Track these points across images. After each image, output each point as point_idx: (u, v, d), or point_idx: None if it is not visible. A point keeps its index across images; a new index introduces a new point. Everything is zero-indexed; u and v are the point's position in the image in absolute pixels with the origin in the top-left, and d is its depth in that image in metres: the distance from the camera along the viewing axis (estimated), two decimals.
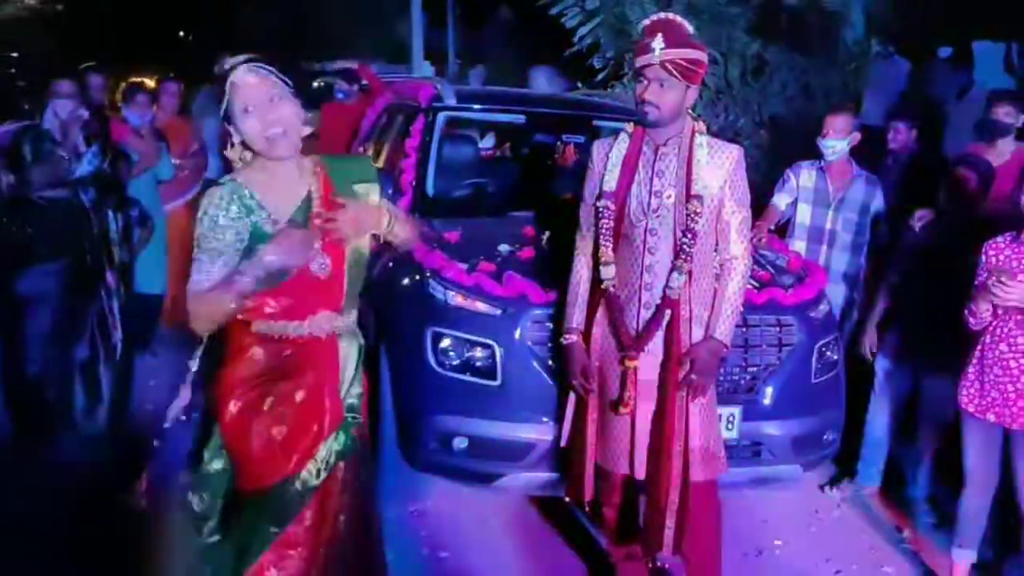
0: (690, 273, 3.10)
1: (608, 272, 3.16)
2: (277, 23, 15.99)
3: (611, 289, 3.17)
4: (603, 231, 3.16)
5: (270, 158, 2.49)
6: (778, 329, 3.85)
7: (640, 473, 3.18)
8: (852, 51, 7.78)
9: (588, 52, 8.53)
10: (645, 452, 3.16)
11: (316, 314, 2.57)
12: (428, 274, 3.85)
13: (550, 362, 3.63)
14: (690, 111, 3.16)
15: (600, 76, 8.51)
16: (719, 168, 3.11)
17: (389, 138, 5.54)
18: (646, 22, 3.09)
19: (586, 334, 3.26)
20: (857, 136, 4.89)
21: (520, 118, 5.49)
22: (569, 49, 8.60)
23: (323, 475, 2.60)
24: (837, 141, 4.83)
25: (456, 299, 3.74)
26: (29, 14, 20.81)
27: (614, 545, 3.53)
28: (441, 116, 5.02)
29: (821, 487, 4.58)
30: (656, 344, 3.14)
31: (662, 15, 3.09)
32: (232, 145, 2.52)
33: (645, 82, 3.04)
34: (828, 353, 4.01)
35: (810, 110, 7.40)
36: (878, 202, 4.94)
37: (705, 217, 3.09)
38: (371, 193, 2.68)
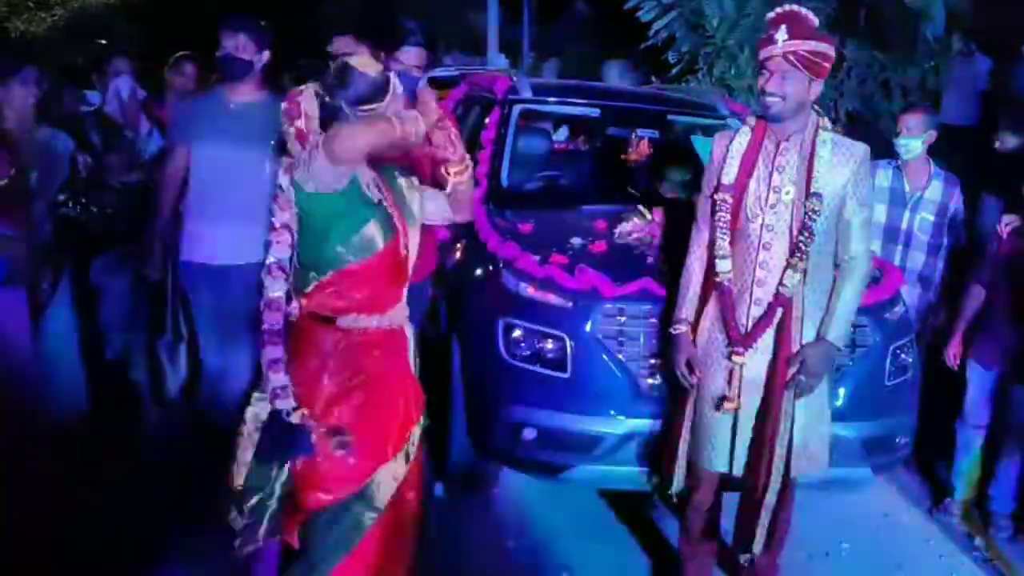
0: (804, 271, 3.07)
1: (724, 266, 3.14)
2: (356, 14, 16.15)
3: (725, 283, 3.16)
4: (720, 224, 3.14)
5: None
6: (852, 329, 3.79)
7: (740, 471, 3.18)
8: (932, 48, 7.61)
9: (663, 46, 8.50)
10: (746, 450, 3.16)
11: (393, 307, 2.69)
12: (501, 265, 3.89)
13: (620, 356, 3.65)
14: (815, 107, 3.13)
15: (675, 71, 8.48)
16: (843, 166, 3.08)
17: (464, 129, 5.59)
18: (771, 14, 3.07)
19: (694, 325, 3.27)
20: (933, 134, 4.79)
21: (595, 111, 5.50)
22: (644, 43, 8.58)
23: (411, 456, 2.75)
24: (911, 139, 4.74)
25: (528, 291, 3.76)
26: (117, 1, 21.31)
27: (687, 542, 3.50)
28: (516, 108, 5.04)
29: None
30: (765, 342, 3.12)
31: (787, 7, 3.05)
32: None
33: (767, 74, 3.02)
34: (903, 356, 3.94)
35: (888, 108, 7.28)
36: (956, 203, 4.83)
37: (824, 216, 3.05)
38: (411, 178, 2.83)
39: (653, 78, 8.79)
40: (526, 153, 5.02)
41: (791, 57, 2.96)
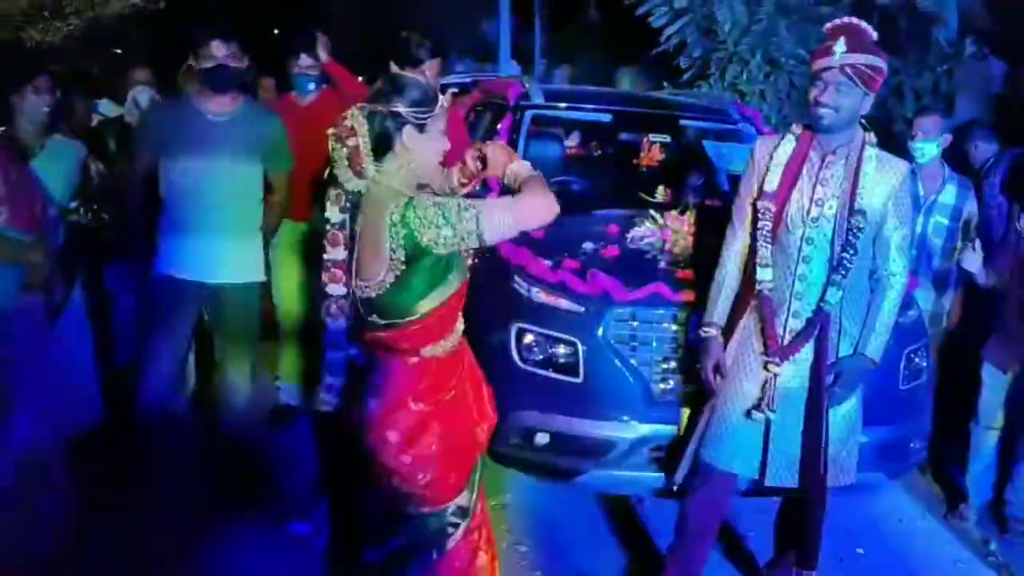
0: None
1: (766, 275, 3.13)
2: (367, 22, 16.24)
3: (765, 292, 3.14)
4: (762, 232, 3.13)
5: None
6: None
7: (773, 480, 3.17)
8: (945, 52, 7.60)
9: (675, 52, 8.53)
10: (783, 461, 3.15)
11: (454, 329, 2.69)
12: (513, 270, 3.89)
13: (632, 360, 3.65)
14: (863, 121, 3.13)
15: (686, 76, 8.49)
16: (885, 184, 3.07)
17: (477, 135, 5.61)
18: (829, 25, 3.06)
19: (727, 330, 3.26)
20: (948, 138, 4.79)
21: (606, 117, 5.51)
22: (655, 48, 8.60)
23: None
24: (926, 143, 4.74)
25: (540, 296, 3.77)
26: (131, 11, 21.42)
27: (679, 541, 3.43)
28: (528, 114, 5.06)
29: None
30: (802, 353, 3.12)
31: (846, 19, 3.05)
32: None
33: (822, 85, 3.01)
34: (916, 360, 3.94)
35: (902, 112, 7.26)
36: (970, 206, 4.82)
37: (866, 232, 3.06)
38: None
39: (665, 83, 8.81)
40: (538, 158, 5.00)
41: (848, 70, 2.95)
